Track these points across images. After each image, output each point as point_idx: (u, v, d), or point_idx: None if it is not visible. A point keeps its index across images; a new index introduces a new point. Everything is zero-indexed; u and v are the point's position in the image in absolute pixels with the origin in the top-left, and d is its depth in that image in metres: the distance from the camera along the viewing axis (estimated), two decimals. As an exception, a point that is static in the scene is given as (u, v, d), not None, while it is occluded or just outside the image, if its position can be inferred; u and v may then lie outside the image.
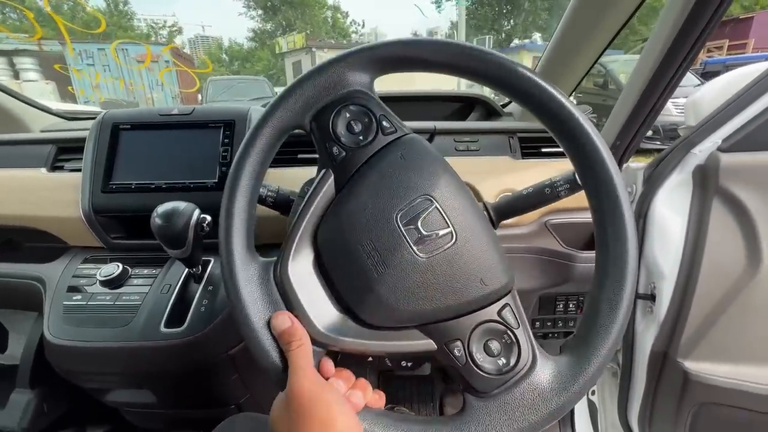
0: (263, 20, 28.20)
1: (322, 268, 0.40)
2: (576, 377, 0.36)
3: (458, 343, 0.37)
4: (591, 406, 1.11)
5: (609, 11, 0.76)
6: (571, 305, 0.84)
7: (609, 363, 1.02)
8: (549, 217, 0.77)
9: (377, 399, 0.39)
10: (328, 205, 0.40)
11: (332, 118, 0.41)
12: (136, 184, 0.71)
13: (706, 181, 0.78)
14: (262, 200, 0.55)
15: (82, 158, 0.74)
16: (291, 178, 0.66)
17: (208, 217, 0.60)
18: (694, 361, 0.83)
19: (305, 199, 0.41)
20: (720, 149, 0.78)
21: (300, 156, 0.76)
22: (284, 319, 0.37)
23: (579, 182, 0.47)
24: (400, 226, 0.38)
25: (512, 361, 0.37)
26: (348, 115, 0.41)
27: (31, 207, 0.75)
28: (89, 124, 0.76)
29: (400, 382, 1.12)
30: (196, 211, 0.58)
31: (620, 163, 0.86)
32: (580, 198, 0.70)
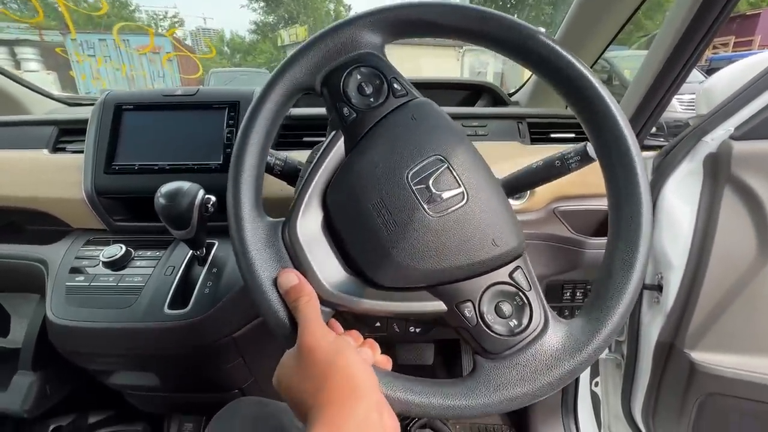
0: (265, 12, 28.01)
1: (331, 228, 0.40)
2: (589, 339, 0.35)
3: (469, 304, 0.37)
4: (594, 397, 1.10)
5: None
6: (578, 293, 0.83)
7: (613, 355, 1.02)
8: (558, 204, 0.76)
9: (384, 361, 0.38)
10: (337, 166, 0.40)
11: (343, 80, 0.40)
12: (140, 165, 0.70)
13: (717, 169, 0.77)
14: (269, 168, 0.53)
15: (84, 140, 0.73)
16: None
17: (213, 198, 0.59)
18: (701, 352, 0.83)
19: (315, 160, 0.40)
20: (732, 137, 0.76)
21: (305, 139, 0.75)
22: (291, 276, 0.36)
23: (590, 154, 0.48)
24: (411, 185, 0.38)
25: (524, 323, 0.37)
26: (359, 76, 0.41)
27: (33, 188, 0.74)
28: (91, 109, 0.74)
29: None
30: (201, 191, 0.57)
31: None
32: (590, 184, 0.69)
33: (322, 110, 0.76)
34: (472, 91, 1.16)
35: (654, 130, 0.90)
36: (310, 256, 0.37)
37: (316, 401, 0.29)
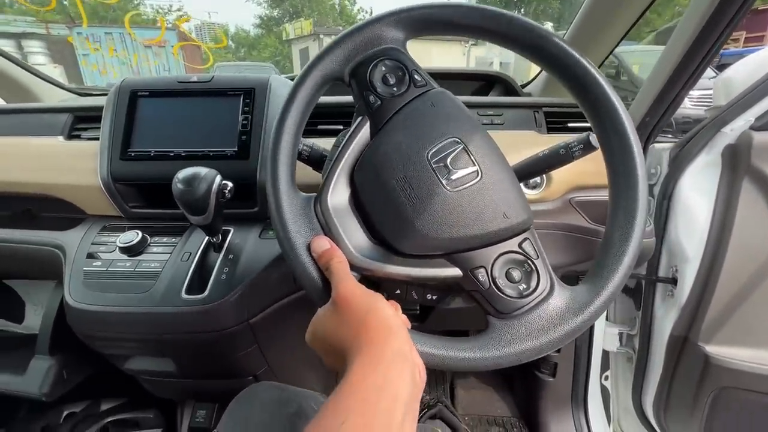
0: (270, 7, 27.93)
1: (357, 202, 0.44)
2: (591, 301, 0.40)
3: (482, 269, 0.41)
4: (603, 390, 1.10)
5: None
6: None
7: (624, 348, 1.01)
8: (574, 194, 0.75)
9: (405, 320, 0.41)
10: (363, 148, 0.44)
11: (369, 71, 0.45)
12: (155, 151, 0.70)
13: (736, 160, 0.76)
14: (297, 154, 0.55)
15: (99, 127, 0.73)
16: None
17: (230, 184, 0.59)
18: (716, 345, 0.82)
19: (343, 143, 0.45)
20: (752, 128, 0.75)
21: (320, 127, 0.75)
22: (323, 242, 0.41)
23: (592, 143, 0.52)
24: (431, 162, 0.41)
25: (532, 286, 0.41)
26: (383, 68, 0.45)
27: (49, 174, 0.75)
28: (104, 99, 0.74)
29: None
30: (218, 177, 0.57)
31: (648, 142, 0.84)
32: (605, 175, 0.69)
33: (335, 99, 0.77)
34: (485, 82, 1.15)
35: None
36: (339, 226, 0.42)
37: (355, 342, 0.33)
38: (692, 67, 0.67)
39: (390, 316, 0.35)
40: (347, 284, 0.37)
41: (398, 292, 0.47)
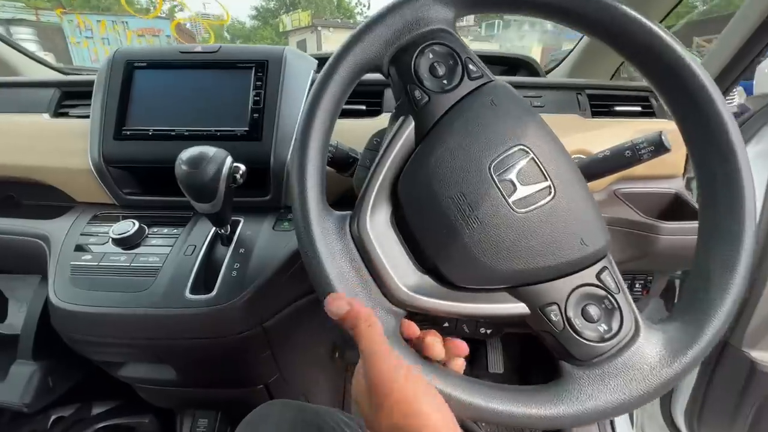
0: (266, -2, 27.52)
1: (401, 223, 0.37)
2: (687, 347, 0.33)
3: (554, 307, 0.34)
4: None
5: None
6: (637, 285, 0.76)
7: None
8: (618, 186, 0.69)
9: (462, 365, 0.36)
10: (408, 156, 0.37)
11: (414, 59, 0.37)
12: (154, 130, 0.62)
13: (793, 150, 0.70)
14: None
15: (89, 104, 0.65)
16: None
17: (242, 167, 0.52)
18: (763, 351, 0.76)
19: (383, 149, 0.37)
20: (812, 115, 0.69)
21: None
22: (341, 304, 0.31)
23: (664, 144, 0.46)
24: (494, 177, 0.34)
25: (614, 328, 0.34)
26: (431, 56, 0.37)
27: (33, 156, 0.66)
28: (95, 76, 0.66)
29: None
30: (229, 158, 0.50)
31: None
32: (654, 165, 0.62)
33: None
34: (509, 66, 1.08)
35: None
36: (383, 255, 0.34)
37: None
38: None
39: (438, 419, 0.27)
40: (380, 368, 0.28)
41: (446, 325, 0.41)
